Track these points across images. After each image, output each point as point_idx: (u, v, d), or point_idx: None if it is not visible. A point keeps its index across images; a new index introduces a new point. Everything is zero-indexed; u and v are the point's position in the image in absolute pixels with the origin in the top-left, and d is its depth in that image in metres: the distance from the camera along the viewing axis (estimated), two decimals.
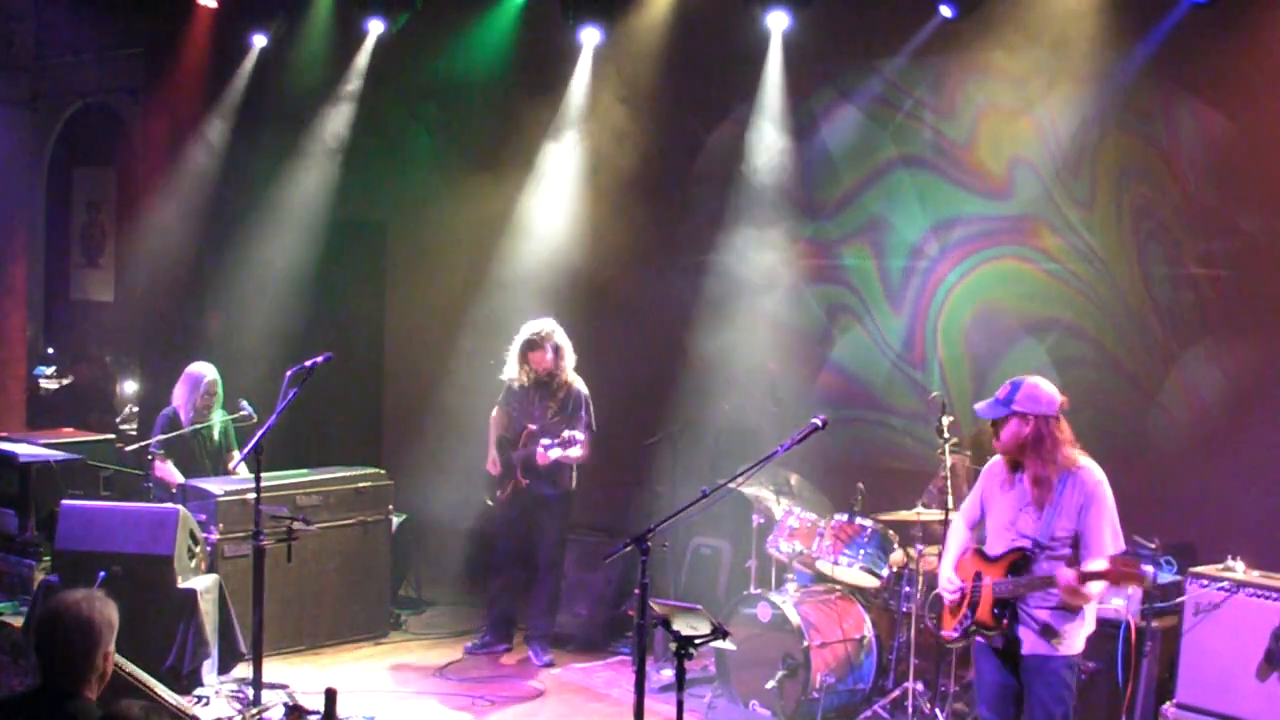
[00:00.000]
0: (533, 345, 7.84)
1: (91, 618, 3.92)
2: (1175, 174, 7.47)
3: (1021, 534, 5.16)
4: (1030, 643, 5.13)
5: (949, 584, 5.37)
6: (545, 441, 7.69)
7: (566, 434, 7.65)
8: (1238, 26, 7.12)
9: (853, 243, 8.89)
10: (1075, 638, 5.15)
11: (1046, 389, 5.18)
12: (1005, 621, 5.14)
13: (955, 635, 5.36)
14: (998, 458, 5.33)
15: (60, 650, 3.89)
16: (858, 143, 8.82)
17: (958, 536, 5.50)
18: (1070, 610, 5.10)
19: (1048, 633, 5.10)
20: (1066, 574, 4.99)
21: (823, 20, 8.47)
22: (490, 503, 8.09)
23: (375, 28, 10.00)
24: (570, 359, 7.91)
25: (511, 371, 7.96)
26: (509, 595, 8.17)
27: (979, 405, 5.34)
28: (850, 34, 8.72)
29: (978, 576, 5.26)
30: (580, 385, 7.95)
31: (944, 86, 8.41)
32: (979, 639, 5.29)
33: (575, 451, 7.73)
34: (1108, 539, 5.06)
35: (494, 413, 8.16)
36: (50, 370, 13.91)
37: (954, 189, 8.39)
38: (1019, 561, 5.14)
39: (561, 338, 7.88)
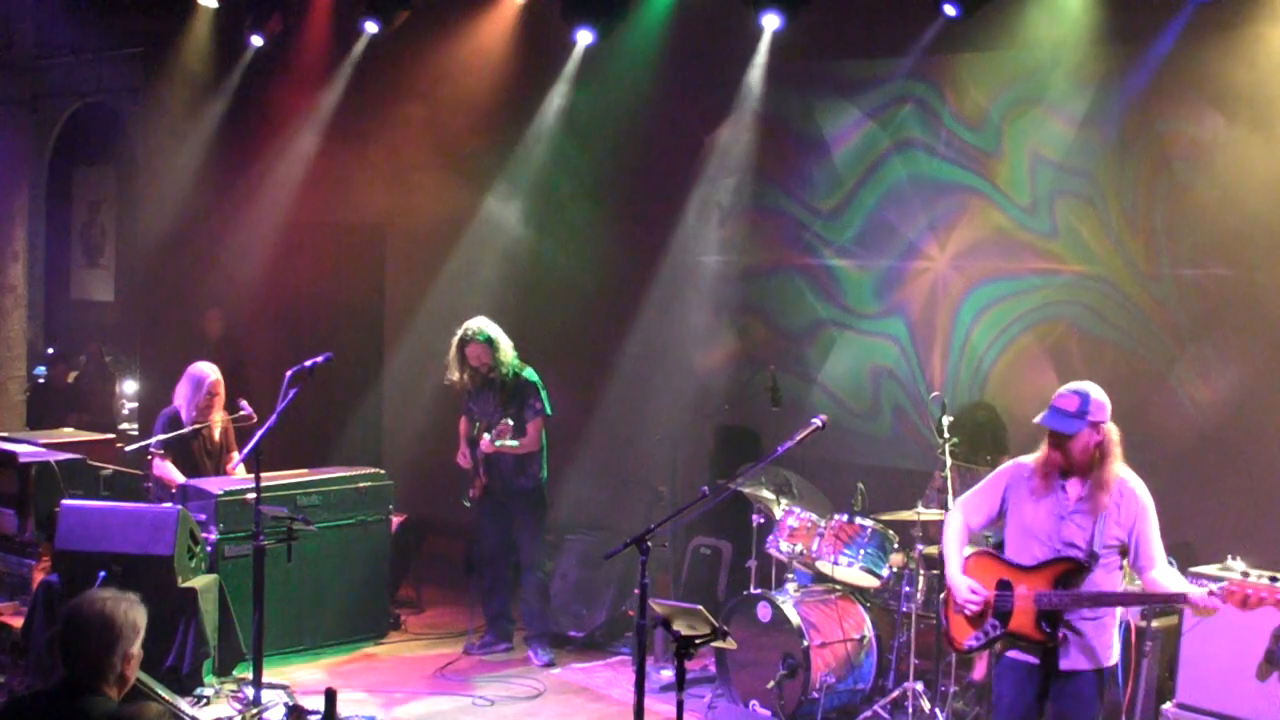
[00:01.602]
0: (465, 342, 7.87)
1: (114, 616, 3.94)
2: (1176, 174, 7.47)
3: (1068, 543, 4.97)
4: (1072, 657, 4.99)
5: (971, 593, 5.08)
6: (487, 436, 7.71)
7: (502, 423, 7.67)
8: (1239, 25, 7.12)
9: (853, 243, 8.89)
10: (1111, 649, 5.04)
11: (1105, 396, 5.04)
12: (1048, 632, 4.96)
13: (975, 645, 5.15)
14: (1024, 459, 5.15)
15: (79, 646, 3.91)
16: (859, 143, 8.83)
17: (960, 535, 5.25)
18: (1104, 622, 5.01)
19: (1088, 645, 4.98)
20: (1199, 593, 4.83)
21: (825, 20, 8.46)
22: (467, 504, 8.10)
23: (372, 28, 9.99)
24: (508, 349, 7.90)
25: (453, 374, 7.98)
26: (501, 593, 8.17)
27: (1042, 418, 4.97)
28: (852, 34, 8.72)
29: (1003, 584, 5.04)
30: (529, 374, 7.94)
31: (947, 86, 8.41)
32: (1008, 655, 5.10)
33: (514, 441, 7.75)
34: (1161, 552, 5.00)
35: (462, 422, 8.15)
36: (44, 370, 13.92)
37: (955, 189, 8.40)
38: (1070, 573, 4.96)
39: (493, 330, 7.87)
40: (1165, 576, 5.03)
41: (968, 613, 5.10)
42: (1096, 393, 5.01)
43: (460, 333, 7.92)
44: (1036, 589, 4.99)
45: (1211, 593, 4.87)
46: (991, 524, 5.31)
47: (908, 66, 8.47)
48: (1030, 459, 5.15)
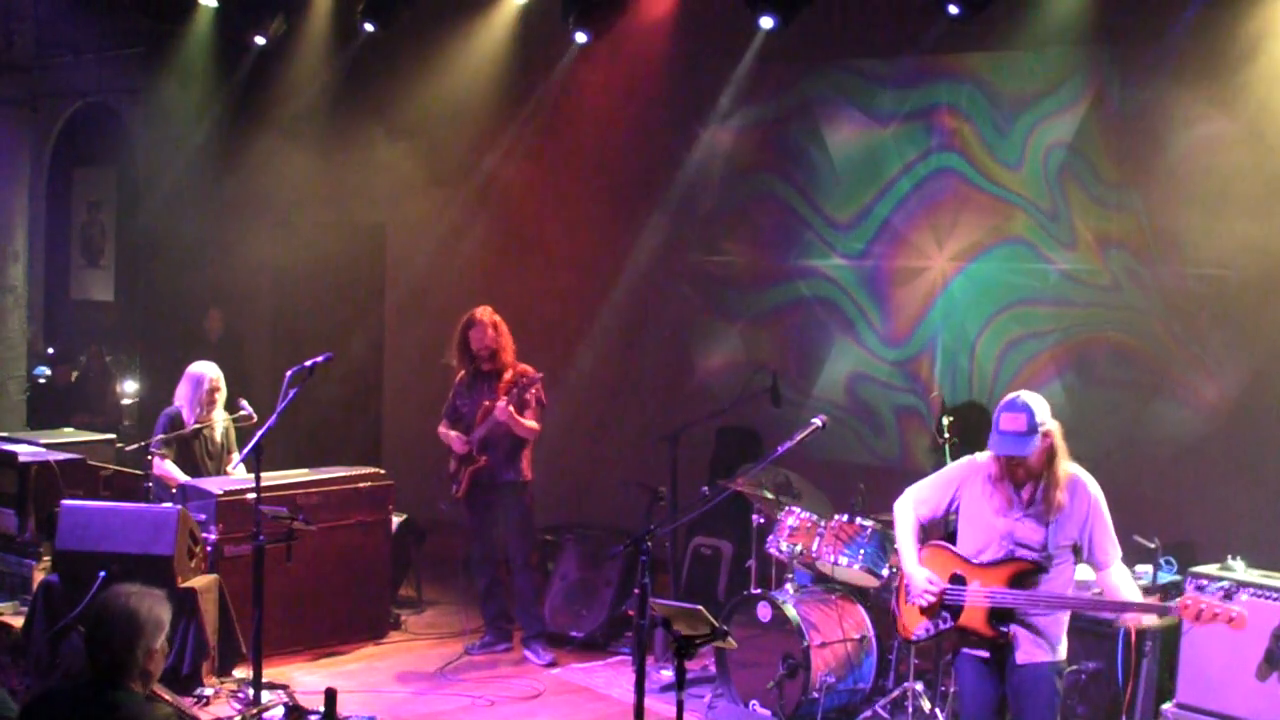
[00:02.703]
0: (471, 324, 7.89)
1: (137, 610, 3.99)
2: (1176, 174, 7.47)
3: (1021, 543, 5.00)
4: (1026, 651, 5.03)
5: (930, 583, 5.12)
6: (502, 402, 7.68)
7: (522, 378, 7.66)
8: (1240, 26, 7.12)
9: (854, 243, 8.89)
10: (1063, 643, 5.09)
11: (1039, 397, 5.04)
12: (1003, 630, 5.00)
13: (924, 636, 5.19)
14: (979, 456, 5.16)
15: (103, 640, 3.96)
16: (861, 144, 8.82)
17: (914, 525, 5.25)
18: (1057, 616, 5.05)
19: (1043, 640, 5.02)
20: (1134, 619, 5.03)
21: (827, 20, 8.46)
22: (444, 507, 8.07)
23: (370, 29, 9.99)
24: (510, 339, 7.92)
25: (451, 359, 7.99)
26: (498, 594, 8.16)
27: (997, 448, 4.93)
28: (854, 34, 8.72)
29: (956, 579, 5.09)
30: (527, 367, 7.95)
31: (950, 86, 8.39)
32: (964, 650, 5.13)
33: (531, 424, 7.75)
34: (1114, 548, 5.04)
35: (440, 425, 8.09)
36: (47, 370, 13.92)
37: (957, 189, 8.39)
38: (1027, 572, 4.99)
39: (499, 318, 7.91)
40: (1119, 578, 5.07)
41: (923, 604, 5.14)
42: (1034, 400, 5.00)
43: (465, 317, 7.93)
44: (990, 586, 5.03)
45: (1169, 609, 4.95)
46: (937, 521, 5.34)
47: (910, 66, 8.46)
48: (983, 457, 5.15)
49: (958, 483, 5.21)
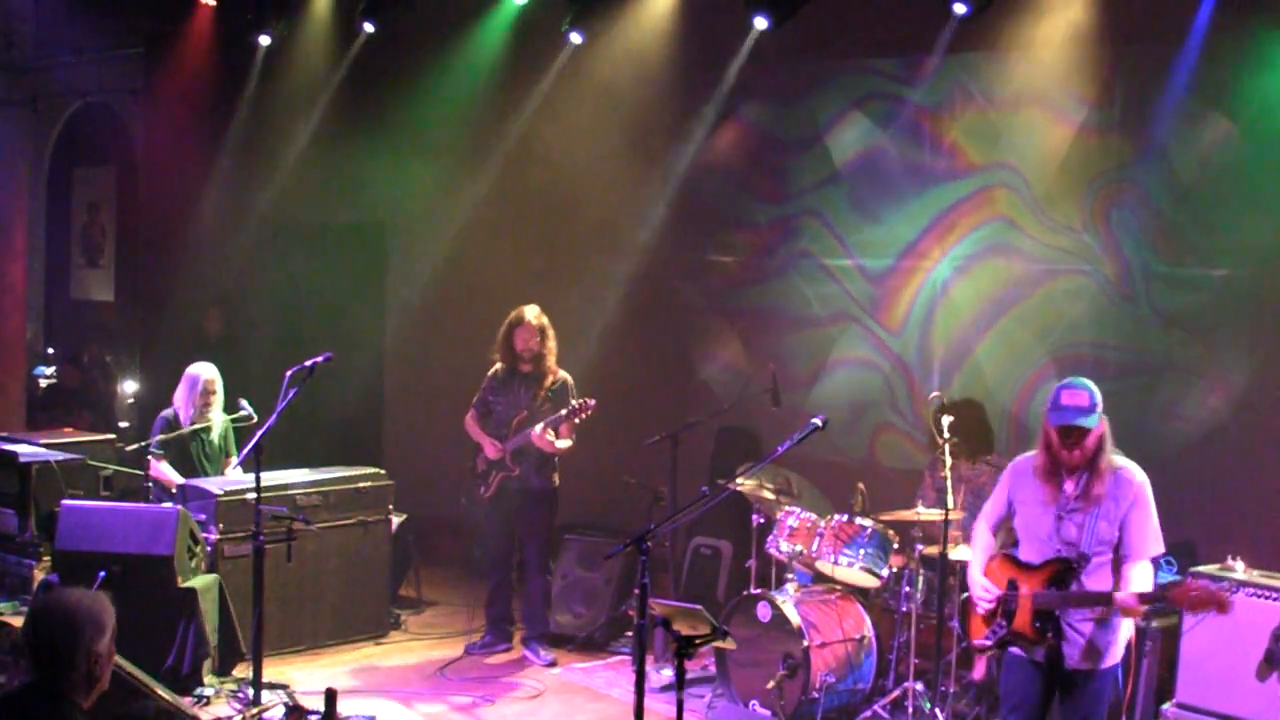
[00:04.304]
0: (518, 323, 7.85)
1: (74, 613, 3.77)
2: (1180, 176, 7.47)
3: (1067, 542, 5.01)
4: (1077, 656, 5.00)
5: (985, 591, 5.17)
6: (539, 427, 7.68)
7: (566, 409, 7.65)
8: (1240, 28, 7.12)
9: (854, 242, 8.88)
10: (1118, 647, 5.05)
11: None
12: (1049, 635, 4.98)
13: (988, 644, 5.20)
14: (1025, 457, 5.20)
15: (41, 644, 3.78)
16: (861, 143, 8.81)
17: (983, 539, 5.33)
18: (1112, 622, 4.99)
19: (1093, 646, 4.98)
20: (1125, 598, 4.85)
21: (827, 18, 8.44)
22: (464, 501, 8.06)
23: (370, 28, 9.98)
24: (554, 345, 7.90)
25: (495, 355, 7.98)
26: (504, 595, 8.17)
27: (1064, 420, 4.92)
28: (855, 32, 8.70)
29: (1012, 584, 5.10)
30: (565, 375, 7.95)
31: (953, 86, 8.38)
32: (1012, 650, 5.15)
33: (565, 443, 7.76)
34: (1150, 542, 4.97)
35: (468, 416, 8.10)
36: (50, 370, 13.93)
37: (956, 190, 8.38)
38: (1062, 572, 4.99)
39: (548, 322, 7.88)
40: (1135, 572, 4.97)
41: (980, 611, 5.21)
42: (1093, 384, 5.06)
43: (513, 315, 7.88)
44: (1034, 588, 5.04)
45: (1143, 598, 4.86)
46: (1000, 524, 5.36)
47: (912, 66, 8.45)
48: (1029, 456, 5.19)
49: (1008, 484, 5.27)
